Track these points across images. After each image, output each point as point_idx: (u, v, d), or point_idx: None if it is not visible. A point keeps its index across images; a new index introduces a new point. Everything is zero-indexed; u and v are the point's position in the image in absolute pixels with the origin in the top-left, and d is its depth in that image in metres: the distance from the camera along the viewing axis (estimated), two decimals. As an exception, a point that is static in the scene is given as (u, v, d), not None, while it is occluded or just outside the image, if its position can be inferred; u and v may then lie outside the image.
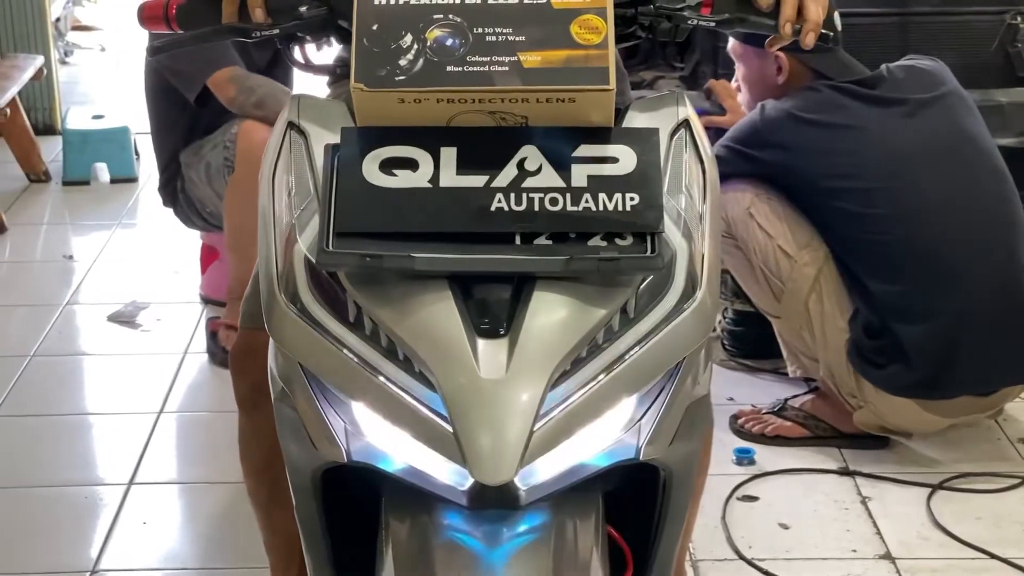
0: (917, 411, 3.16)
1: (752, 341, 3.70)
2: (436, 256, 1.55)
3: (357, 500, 1.81)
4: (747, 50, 3.33)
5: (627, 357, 1.57)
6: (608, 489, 1.76)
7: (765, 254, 3.21)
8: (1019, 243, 3.15)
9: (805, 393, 3.48)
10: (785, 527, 2.99)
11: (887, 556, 2.89)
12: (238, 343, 2.19)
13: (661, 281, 1.61)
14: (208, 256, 4.32)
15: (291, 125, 1.73)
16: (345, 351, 1.57)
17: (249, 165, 3.66)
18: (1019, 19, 3.95)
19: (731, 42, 3.43)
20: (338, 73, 1.95)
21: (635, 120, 1.70)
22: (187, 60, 3.69)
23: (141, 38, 2.02)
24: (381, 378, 1.55)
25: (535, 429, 1.51)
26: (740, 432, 3.35)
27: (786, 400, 3.43)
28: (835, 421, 3.31)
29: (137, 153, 5.57)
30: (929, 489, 3.12)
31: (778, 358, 3.48)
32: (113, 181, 5.49)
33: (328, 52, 2.01)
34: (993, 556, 2.87)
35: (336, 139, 1.65)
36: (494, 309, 1.55)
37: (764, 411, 3.41)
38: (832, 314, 3.18)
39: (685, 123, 1.73)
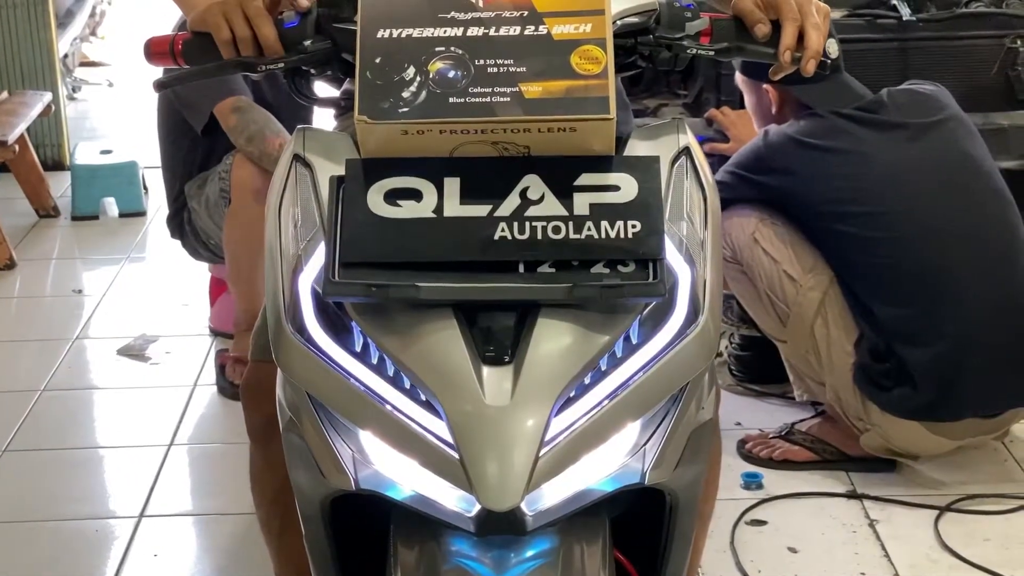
0: (924, 433, 3.17)
1: (759, 366, 3.72)
2: (441, 285, 1.57)
3: (366, 527, 1.83)
4: (746, 81, 3.38)
5: (631, 383, 1.59)
6: (615, 514, 1.77)
7: (770, 279, 3.23)
8: (1022, 265, 3.16)
9: (812, 417, 3.49)
10: (794, 551, 3.00)
11: (895, 579, 2.90)
12: (249, 376, 2.21)
13: (664, 307, 1.63)
14: (217, 288, 4.35)
15: (297, 158, 1.75)
16: (351, 380, 1.59)
17: (242, 197, 3.71)
18: (1019, 43, 3.96)
19: (737, 73, 3.47)
20: (343, 106, 1.98)
21: (636, 148, 1.72)
22: (196, 89, 3.74)
23: (149, 73, 2.04)
24: (387, 407, 1.57)
25: (540, 455, 1.53)
26: (748, 457, 3.37)
27: (793, 424, 3.44)
28: (842, 445, 3.32)
29: (145, 187, 5.60)
30: (937, 511, 3.12)
31: (785, 382, 3.49)
32: (122, 215, 5.52)
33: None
34: (1002, 578, 2.88)
35: (341, 171, 1.67)
36: (498, 337, 1.57)
37: (771, 435, 3.42)
38: (838, 338, 3.19)
39: (686, 150, 1.75)
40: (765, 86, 3.29)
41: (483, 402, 1.53)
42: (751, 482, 3.25)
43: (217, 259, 4.10)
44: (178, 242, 4.16)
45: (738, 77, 3.45)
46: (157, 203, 5.38)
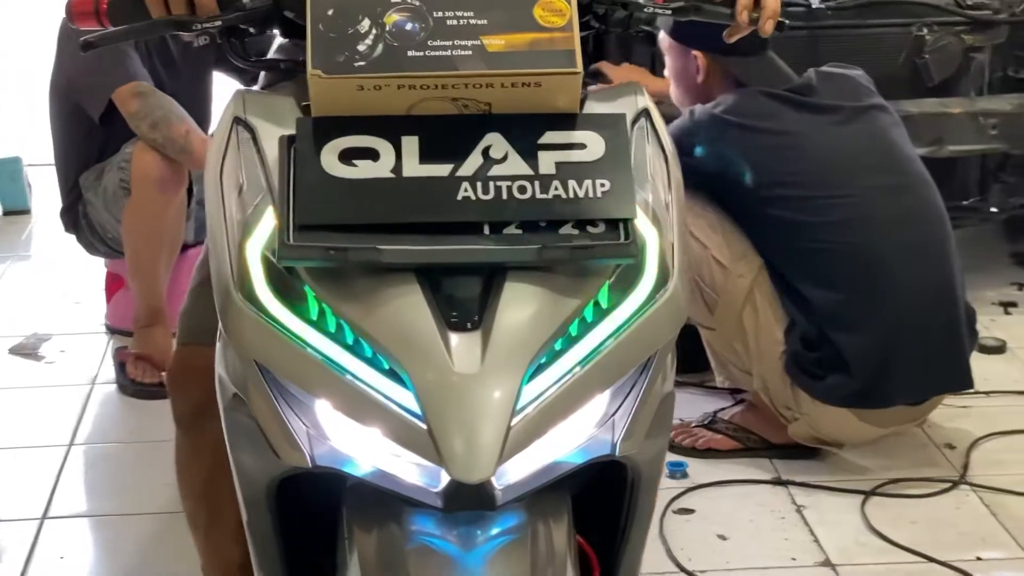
0: (853, 421, 3.14)
1: (678, 355, 3.65)
2: (403, 248, 1.49)
3: (311, 511, 1.74)
4: (672, 44, 3.28)
5: (602, 349, 1.52)
6: (575, 491, 1.70)
7: (699, 265, 3.16)
8: (951, 249, 3.15)
9: (734, 405, 3.45)
10: (723, 538, 2.95)
11: (827, 563, 2.85)
12: (177, 359, 2.11)
13: (633, 271, 1.56)
14: (113, 284, 4.19)
15: (237, 120, 1.66)
16: (308, 350, 1.50)
17: (144, 188, 3.59)
18: (925, 31, 3.98)
19: (660, 34, 3.36)
20: (282, 68, 1.88)
21: (595, 109, 1.65)
22: (92, 74, 3.61)
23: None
24: (347, 376, 1.48)
25: (512, 425, 1.45)
26: (671, 446, 3.31)
27: (716, 413, 3.40)
28: (765, 432, 3.28)
29: (29, 184, 5.42)
30: (862, 496, 3.09)
31: (704, 371, 3.44)
32: (6, 213, 5.35)
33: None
34: (932, 560, 2.85)
35: (286, 133, 1.59)
36: (465, 302, 1.49)
37: (694, 424, 3.37)
38: (767, 326, 3.15)
39: (645, 112, 1.69)
40: (694, 53, 3.21)
41: (451, 370, 1.45)
42: (676, 471, 3.20)
43: (114, 253, 3.96)
44: (71, 238, 4.01)
45: (663, 40, 3.30)
46: (42, 200, 5.21)
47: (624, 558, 1.78)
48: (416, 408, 1.45)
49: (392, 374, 1.47)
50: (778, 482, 3.18)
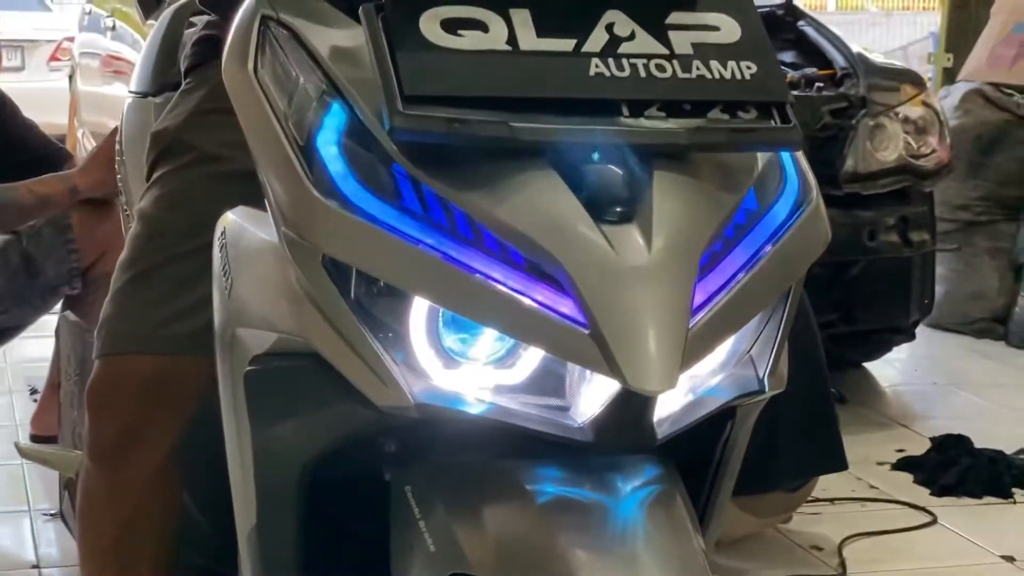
0: (735, 512, 2.94)
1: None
2: (538, 125, 1.22)
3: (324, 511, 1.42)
4: None
5: (762, 256, 1.29)
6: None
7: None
8: (814, 322, 3.04)
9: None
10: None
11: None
12: (102, 375, 1.71)
13: (775, 176, 1.36)
14: None
15: (267, 20, 1.38)
16: (421, 247, 1.20)
17: None
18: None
19: None
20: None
21: None
22: None
23: None
24: (477, 276, 1.19)
25: (689, 327, 1.19)
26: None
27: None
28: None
29: None
30: (755, 596, 2.89)
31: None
32: None
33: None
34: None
35: (334, 32, 1.34)
36: (613, 190, 1.23)
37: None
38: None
39: None
40: None
41: (617, 261, 1.18)
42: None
43: None
44: None
45: None
46: None
47: (714, 513, 1.48)
48: (570, 309, 1.17)
49: (533, 271, 1.19)
50: (658, 585, 2.93)
